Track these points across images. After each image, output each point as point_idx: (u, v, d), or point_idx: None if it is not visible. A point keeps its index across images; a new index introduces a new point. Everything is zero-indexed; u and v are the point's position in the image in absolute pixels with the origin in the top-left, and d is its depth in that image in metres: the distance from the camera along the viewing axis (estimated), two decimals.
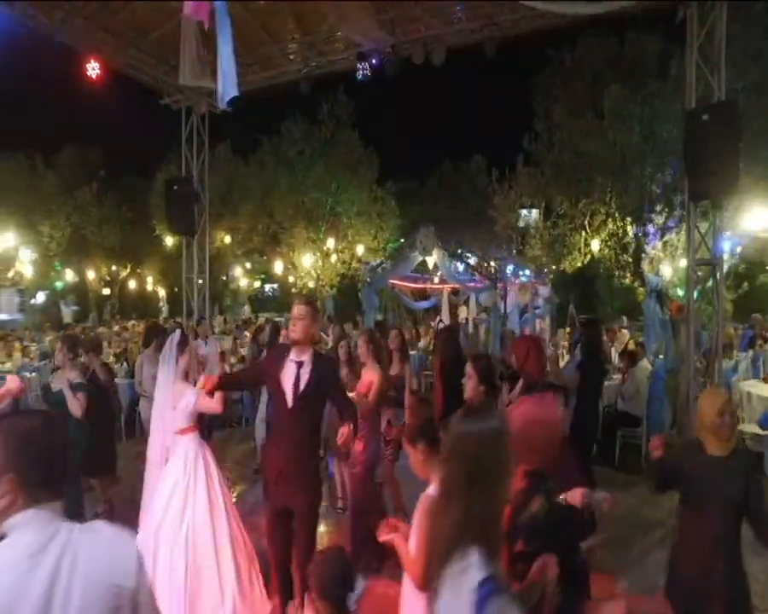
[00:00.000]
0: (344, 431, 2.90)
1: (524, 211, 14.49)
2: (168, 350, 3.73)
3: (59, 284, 25.57)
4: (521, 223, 13.94)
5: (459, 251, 8.88)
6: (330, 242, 18.11)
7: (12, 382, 2.75)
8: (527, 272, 12.53)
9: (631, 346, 8.72)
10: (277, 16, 7.48)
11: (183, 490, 3.40)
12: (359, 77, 7.26)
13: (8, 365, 10.26)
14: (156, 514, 3.40)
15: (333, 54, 7.55)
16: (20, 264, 20.16)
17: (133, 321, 18.44)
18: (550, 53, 13.33)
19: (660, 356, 8.23)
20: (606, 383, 8.62)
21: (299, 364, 2.99)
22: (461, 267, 8.64)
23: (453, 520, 1.27)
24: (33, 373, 9.10)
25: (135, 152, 22.71)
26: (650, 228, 11.36)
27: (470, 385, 2.66)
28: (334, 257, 18.24)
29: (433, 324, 12.04)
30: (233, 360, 10.34)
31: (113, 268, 26.72)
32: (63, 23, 6.87)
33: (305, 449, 3.02)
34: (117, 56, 8.16)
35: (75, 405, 4.27)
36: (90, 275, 25.85)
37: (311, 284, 18.81)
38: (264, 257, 21.61)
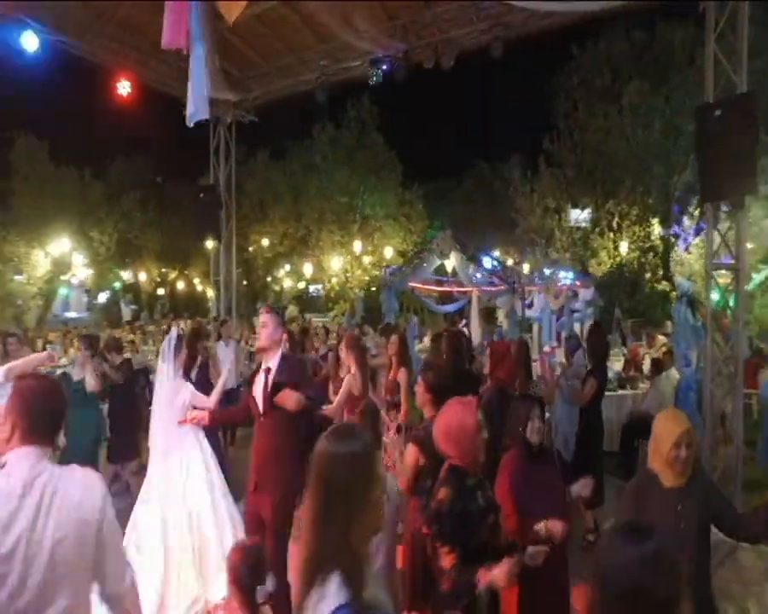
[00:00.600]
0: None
1: (574, 212, 13.89)
2: (166, 349, 4.00)
3: (117, 284, 27.36)
4: (570, 223, 13.34)
5: (495, 254, 8.71)
6: (357, 245, 18.27)
7: (44, 353, 3.54)
8: (570, 274, 12.11)
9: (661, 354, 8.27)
10: (293, 27, 7.68)
11: (185, 474, 3.74)
12: (371, 82, 7.33)
13: (64, 360, 11.02)
14: (161, 495, 3.69)
15: (347, 60, 7.66)
16: (74, 268, 21.80)
17: (181, 320, 19.38)
18: (573, 50, 12.82)
19: (693, 366, 7.76)
20: (632, 391, 8.25)
21: (267, 371, 3.08)
22: (479, 270, 8.48)
23: (311, 549, 1.22)
24: None
25: (177, 161, 23.86)
26: (678, 230, 10.66)
27: (419, 392, 2.68)
28: (367, 259, 18.40)
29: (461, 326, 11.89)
30: None
31: (163, 269, 28.16)
32: (92, 45, 7.34)
33: (280, 455, 3.04)
34: (145, 72, 8.62)
35: (93, 383, 4.99)
36: (142, 276, 27.40)
37: (348, 286, 19.03)
38: (315, 258, 22.03)
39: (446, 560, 1.77)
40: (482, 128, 31.39)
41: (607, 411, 8.10)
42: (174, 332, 4.14)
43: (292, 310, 20.38)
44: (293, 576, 1.78)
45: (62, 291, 27.96)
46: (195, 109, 3.17)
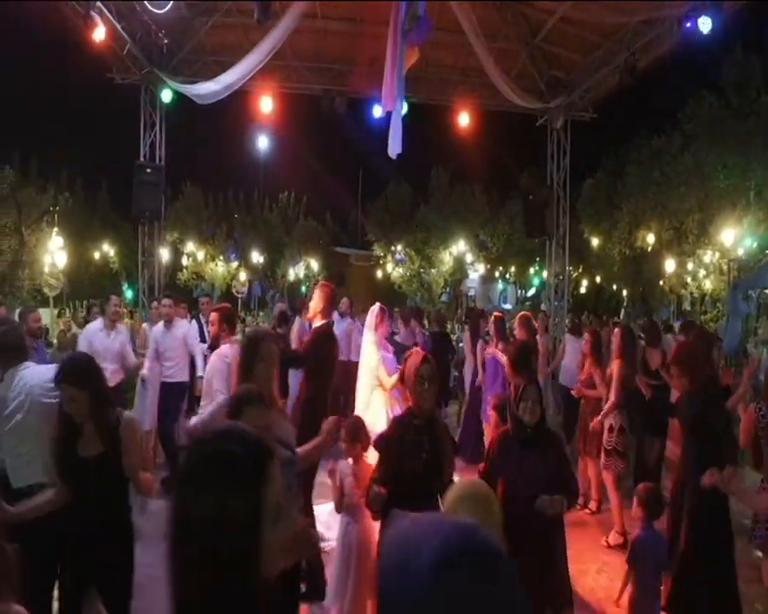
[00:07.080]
0: None
1: None
2: None
3: (537, 280, 31.37)
4: None
5: None
6: (729, 234, 13.76)
7: None
8: None
9: None
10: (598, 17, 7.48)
11: None
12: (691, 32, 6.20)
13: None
14: None
15: (652, 32, 6.86)
16: (471, 265, 27.03)
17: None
18: None
19: None
20: None
21: None
22: None
23: None
24: None
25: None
26: None
27: None
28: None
29: None
30: None
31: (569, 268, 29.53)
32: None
33: None
34: (492, 104, 10.24)
35: None
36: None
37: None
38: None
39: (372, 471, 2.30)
40: None
41: None
42: None
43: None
44: None
45: (500, 286, 34.25)
46: (392, 147, 4.47)
